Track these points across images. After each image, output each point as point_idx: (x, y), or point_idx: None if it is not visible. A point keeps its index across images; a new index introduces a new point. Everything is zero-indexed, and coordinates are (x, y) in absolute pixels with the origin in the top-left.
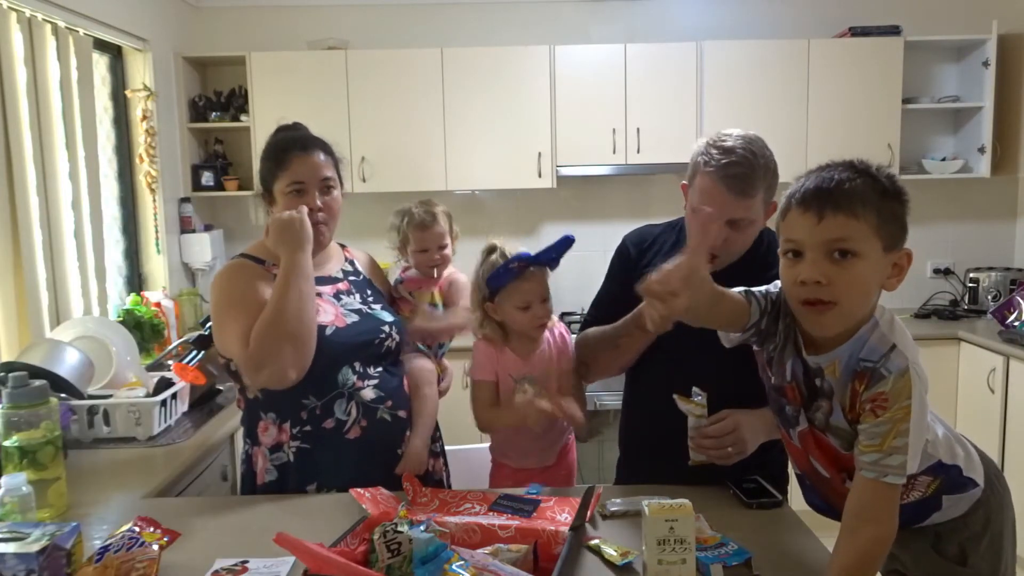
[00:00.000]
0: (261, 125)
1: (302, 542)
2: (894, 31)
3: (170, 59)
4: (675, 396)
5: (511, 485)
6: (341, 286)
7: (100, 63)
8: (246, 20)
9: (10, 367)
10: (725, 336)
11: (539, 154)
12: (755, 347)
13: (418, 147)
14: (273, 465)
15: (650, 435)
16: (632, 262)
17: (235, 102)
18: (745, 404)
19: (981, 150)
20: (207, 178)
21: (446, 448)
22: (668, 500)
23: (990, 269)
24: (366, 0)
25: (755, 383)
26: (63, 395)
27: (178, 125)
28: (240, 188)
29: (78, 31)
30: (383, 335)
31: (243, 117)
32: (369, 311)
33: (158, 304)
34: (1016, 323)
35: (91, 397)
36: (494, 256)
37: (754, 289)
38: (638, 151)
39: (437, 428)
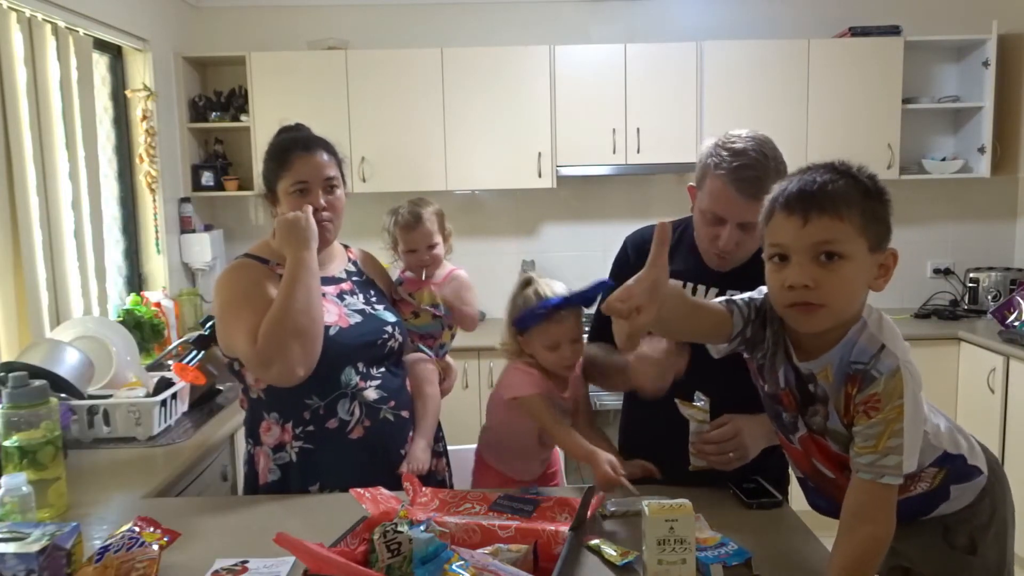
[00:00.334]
0: (261, 125)
1: (302, 542)
2: (894, 31)
3: (170, 59)
4: (677, 401)
5: (497, 485)
6: (344, 286)
7: (100, 63)
8: (246, 20)
9: (10, 367)
10: (713, 348)
11: (539, 154)
12: (745, 355)
13: (418, 147)
14: (276, 465)
15: (650, 436)
16: (630, 266)
17: (235, 102)
18: (747, 409)
19: (981, 150)
20: (207, 178)
21: (448, 448)
22: (668, 500)
23: (990, 269)
24: (366, 0)
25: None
26: (63, 395)
27: (178, 125)
28: (240, 188)
29: (78, 31)
30: (386, 335)
31: (243, 117)
32: (372, 311)
33: (158, 304)
34: (1016, 323)
35: (91, 397)
36: (528, 291)
37: (736, 297)
38: (638, 151)
39: (439, 428)
